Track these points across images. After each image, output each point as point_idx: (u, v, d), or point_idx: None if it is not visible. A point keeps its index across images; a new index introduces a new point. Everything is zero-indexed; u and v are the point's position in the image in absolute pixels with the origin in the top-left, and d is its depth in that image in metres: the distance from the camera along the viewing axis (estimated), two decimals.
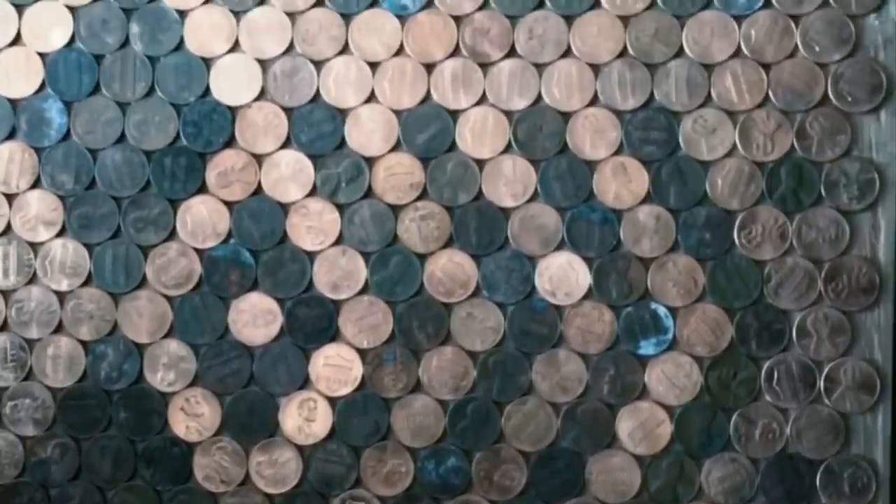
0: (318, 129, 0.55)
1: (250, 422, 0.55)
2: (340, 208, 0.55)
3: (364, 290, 0.55)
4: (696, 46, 0.55)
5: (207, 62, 0.55)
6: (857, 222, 0.54)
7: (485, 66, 0.55)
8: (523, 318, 0.55)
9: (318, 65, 0.55)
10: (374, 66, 0.55)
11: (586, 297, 0.55)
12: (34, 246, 0.55)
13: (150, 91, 0.55)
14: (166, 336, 0.55)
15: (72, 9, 0.55)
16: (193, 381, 0.55)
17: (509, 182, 0.55)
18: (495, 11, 0.55)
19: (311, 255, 0.55)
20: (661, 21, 0.55)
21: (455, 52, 0.55)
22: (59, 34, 0.55)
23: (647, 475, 0.54)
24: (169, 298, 0.55)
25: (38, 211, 0.55)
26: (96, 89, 0.55)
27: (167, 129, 0.55)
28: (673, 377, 0.54)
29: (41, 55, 0.55)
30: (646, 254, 0.55)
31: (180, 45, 0.55)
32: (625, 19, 0.55)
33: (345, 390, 0.55)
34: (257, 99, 0.55)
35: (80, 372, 0.55)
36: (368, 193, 0.55)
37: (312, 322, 0.55)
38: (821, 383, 0.54)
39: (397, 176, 0.55)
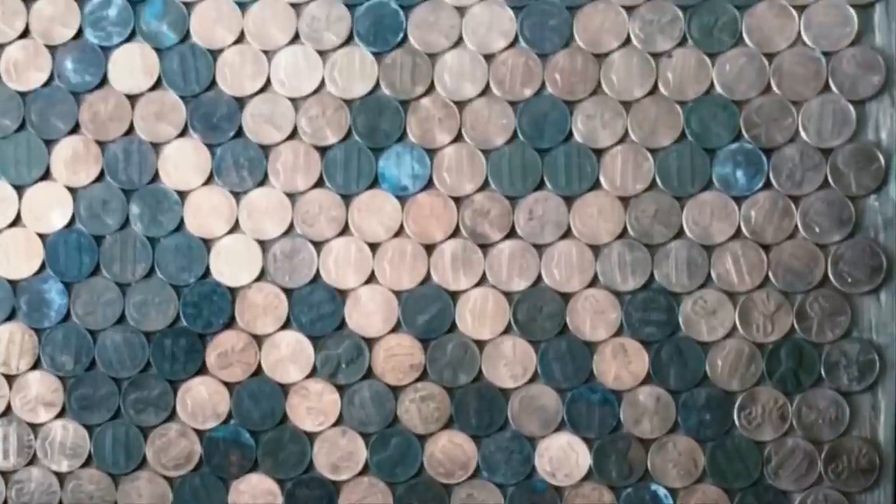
0: (318, 310, 0.55)
1: None
2: (340, 389, 0.55)
3: (364, 472, 0.55)
4: (695, 227, 0.55)
5: (207, 243, 0.55)
6: (857, 403, 0.54)
7: (485, 247, 0.55)
8: (523, 499, 0.55)
9: (318, 246, 0.55)
10: (374, 246, 0.55)
11: (586, 478, 0.55)
12: (34, 427, 0.55)
13: (150, 272, 0.55)
14: None
15: (72, 190, 0.56)
16: None
17: (509, 363, 0.55)
18: (495, 192, 0.55)
19: (311, 436, 0.55)
20: (660, 202, 0.55)
21: (455, 234, 0.55)
22: (59, 215, 0.55)
23: None
24: (169, 479, 0.55)
25: (38, 392, 0.55)
26: (96, 270, 0.55)
27: (167, 310, 0.55)
28: None
29: (41, 236, 0.56)
30: (646, 435, 0.55)
31: (180, 227, 0.55)
32: (625, 200, 0.55)
33: None
34: (257, 280, 0.55)
35: None
36: (368, 374, 0.55)
37: (313, 503, 0.55)
38: None
39: (397, 357, 0.55)
